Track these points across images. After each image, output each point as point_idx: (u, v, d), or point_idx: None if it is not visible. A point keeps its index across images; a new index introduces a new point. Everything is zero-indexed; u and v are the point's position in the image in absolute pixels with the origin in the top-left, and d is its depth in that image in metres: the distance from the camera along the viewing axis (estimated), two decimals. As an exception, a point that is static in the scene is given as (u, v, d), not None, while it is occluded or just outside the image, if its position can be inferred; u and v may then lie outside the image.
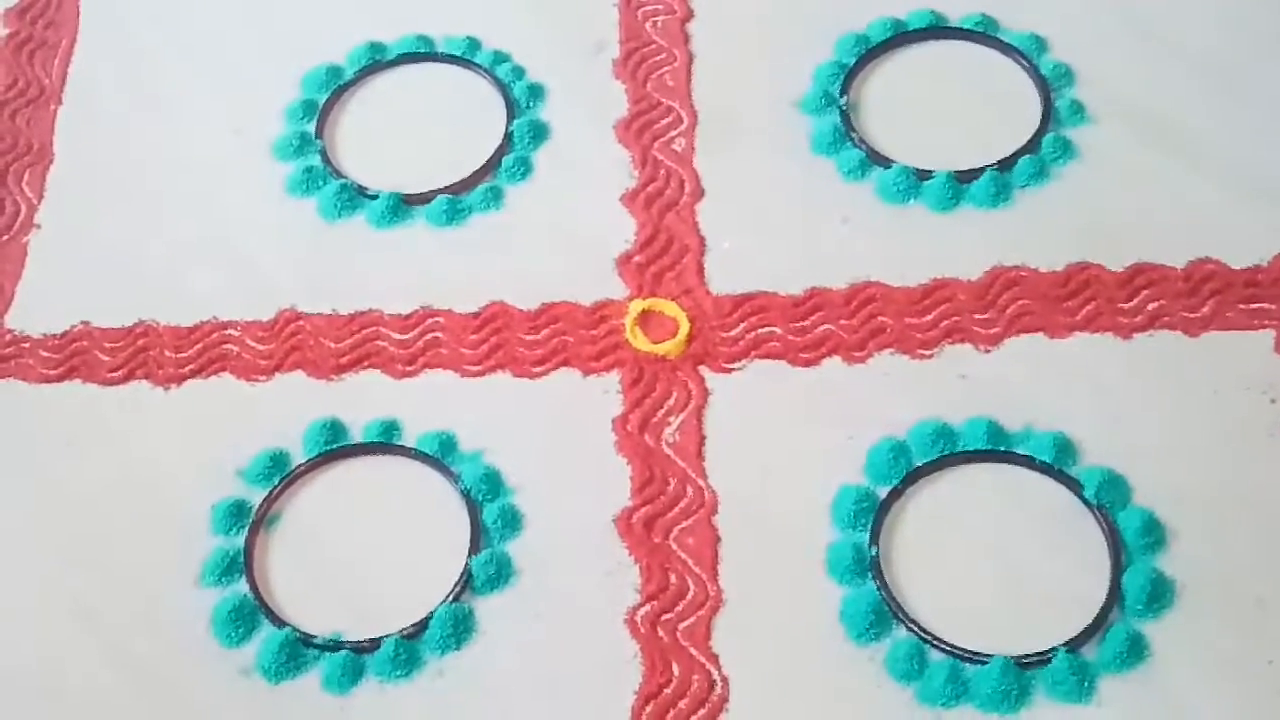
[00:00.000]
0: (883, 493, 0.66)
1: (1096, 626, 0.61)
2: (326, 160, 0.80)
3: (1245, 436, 0.66)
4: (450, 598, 0.64)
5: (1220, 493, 0.65)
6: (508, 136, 0.80)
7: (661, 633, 0.63)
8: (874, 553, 0.64)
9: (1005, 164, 0.75)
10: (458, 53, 0.84)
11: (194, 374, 0.73)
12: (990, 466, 0.66)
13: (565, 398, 0.70)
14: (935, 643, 0.61)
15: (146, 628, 0.65)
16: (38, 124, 0.83)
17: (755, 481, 0.67)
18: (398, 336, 0.73)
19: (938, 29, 0.81)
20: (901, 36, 0.81)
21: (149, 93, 0.84)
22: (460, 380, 0.71)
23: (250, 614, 0.65)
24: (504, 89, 0.81)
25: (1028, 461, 0.66)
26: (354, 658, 0.63)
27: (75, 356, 0.73)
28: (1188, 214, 0.73)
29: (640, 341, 0.71)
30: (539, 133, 0.80)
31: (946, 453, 0.66)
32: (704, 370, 0.71)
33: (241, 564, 0.66)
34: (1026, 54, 0.79)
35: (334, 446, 0.69)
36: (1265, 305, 0.70)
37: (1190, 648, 0.61)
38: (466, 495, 0.67)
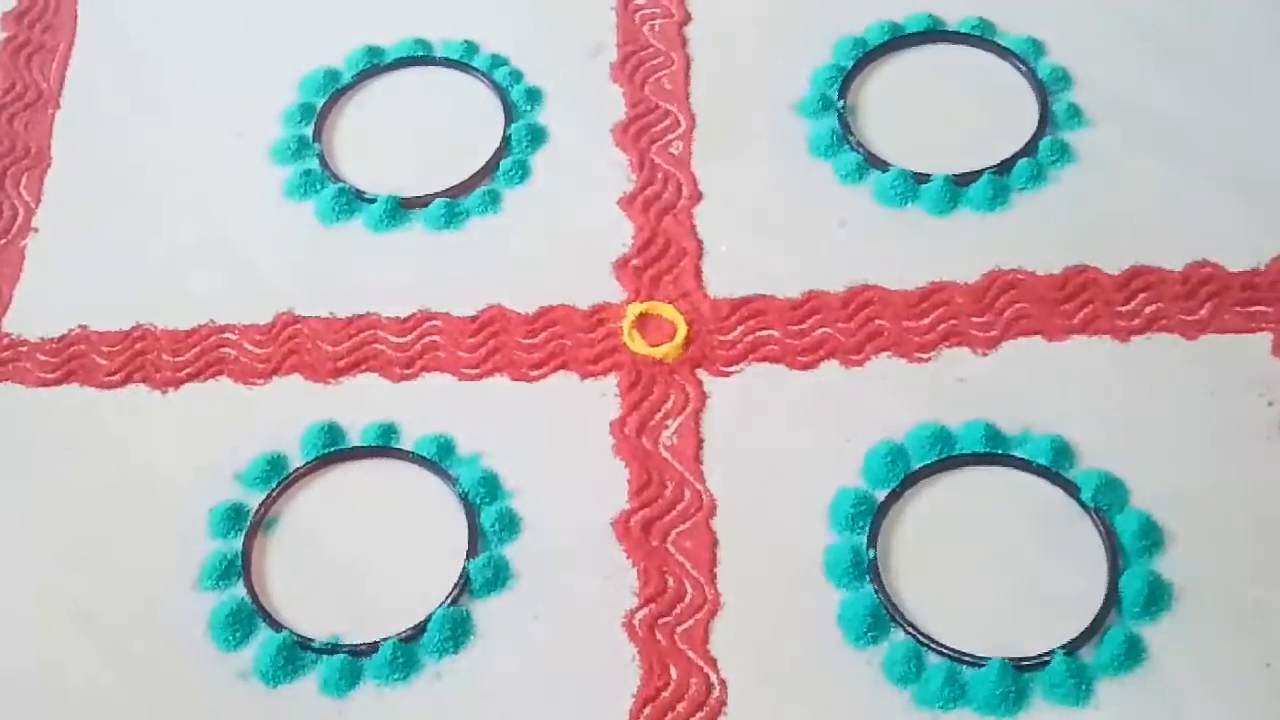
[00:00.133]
0: (880, 496, 0.66)
1: (1094, 629, 0.61)
2: (324, 164, 0.80)
3: (1243, 439, 0.66)
4: (448, 601, 0.64)
5: (1218, 495, 0.65)
6: (505, 140, 0.80)
7: (659, 636, 0.63)
8: (872, 556, 0.64)
9: (1003, 167, 0.75)
10: (455, 56, 0.84)
11: (192, 377, 0.73)
12: (988, 469, 0.66)
13: (563, 401, 0.70)
14: (933, 645, 0.61)
15: (144, 631, 0.65)
16: (35, 128, 0.83)
17: (753, 484, 0.67)
18: (395, 340, 0.73)
19: (935, 32, 0.82)
20: (899, 40, 0.81)
21: (147, 96, 0.84)
22: (458, 383, 0.71)
23: (248, 617, 0.65)
24: (502, 92, 0.81)
25: (1025, 464, 0.66)
26: (352, 661, 0.63)
27: (73, 360, 0.73)
28: (1185, 217, 0.73)
29: (638, 345, 0.71)
30: (537, 136, 0.80)
31: (944, 456, 0.66)
32: (702, 373, 0.71)
33: (239, 567, 0.66)
34: (1024, 57, 0.80)
35: (332, 450, 0.69)
36: (1262, 308, 0.70)
37: (1188, 650, 0.61)
38: (464, 498, 0.67)
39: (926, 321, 0.71)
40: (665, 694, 0.61)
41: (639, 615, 0.64)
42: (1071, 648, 0.61)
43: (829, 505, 0.66)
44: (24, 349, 0.74)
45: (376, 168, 0.80)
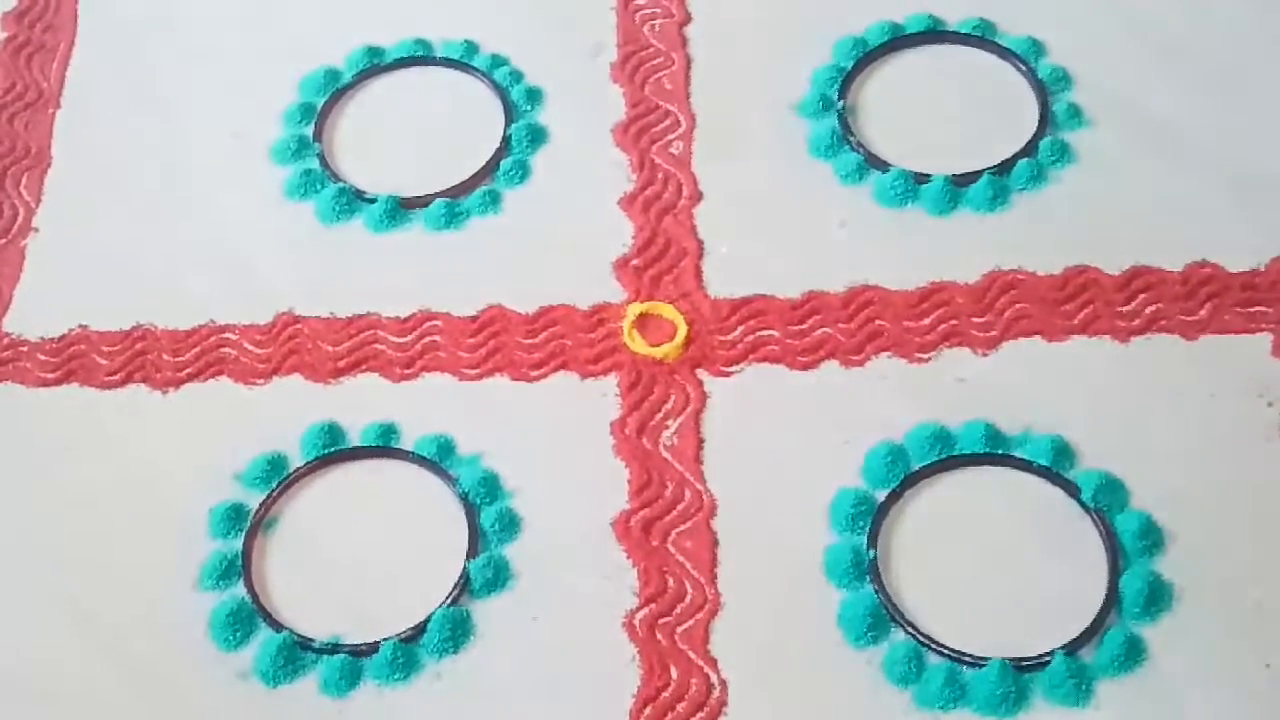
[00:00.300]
0: (881, 496, 0.66)
1: (1094, 629, 0.61)
2: (324, 164, 0.80)
3: (1243, 439, 0.66)
4: (448, 601, 0.64)
5: (1218, 496, 0.65)
6: (506, 140, 0.80)
7: (660, 636, 0.63)
8: (872, 556, 0.64)
9: (1003, 167, 0.75)
10: (455, 56, 0.84)
11: (192, 377, 0.73)
12: (988, 470, 0.66)
13: (563, 401, 0.70)
14: (933, 646, 0.61)
15: (145, 631, 0.65)
16: (36, 127, 0.83)
17: (753, 485, 0.67)
18: (396, 340, 0.73)
19: (935, 33, 0.82)
20: (899, 40, 0.81)
21: (147, 96, 0.84)
22: (458, 383, 0.71)
23: (248, 617, 0.65)
24: (502, 92, 0.81)
25: (1025, 465, 0.66)
26: (352, 661, 0.63)
27: (73, 360, 0.73)
28: (1185, 217, 0.73)
29: (638, 345, 0.71)
30: (537, 136, 0.80)
31: (944, 456, 0.66)
32: (702, 373, 0.71)
33: (239, 567, 0.66)
34: (1024, 58, 0.80)
35: (332, 450, 0.69)
36: (1262, 308, 0.70)
37: (1188, 651, 0.61)
38: (464, 498, 0.67)
39: (927, 322, 0.71)
40: (665, 694, 0.61)
41: (639, 615, 0.64)
42: (1072, 648, 0.61)
43: (829, 505, 0.66)
44: (24, 349, 0.74)
45: (377, 168, 0.80)
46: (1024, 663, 0.61)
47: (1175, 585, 0.62)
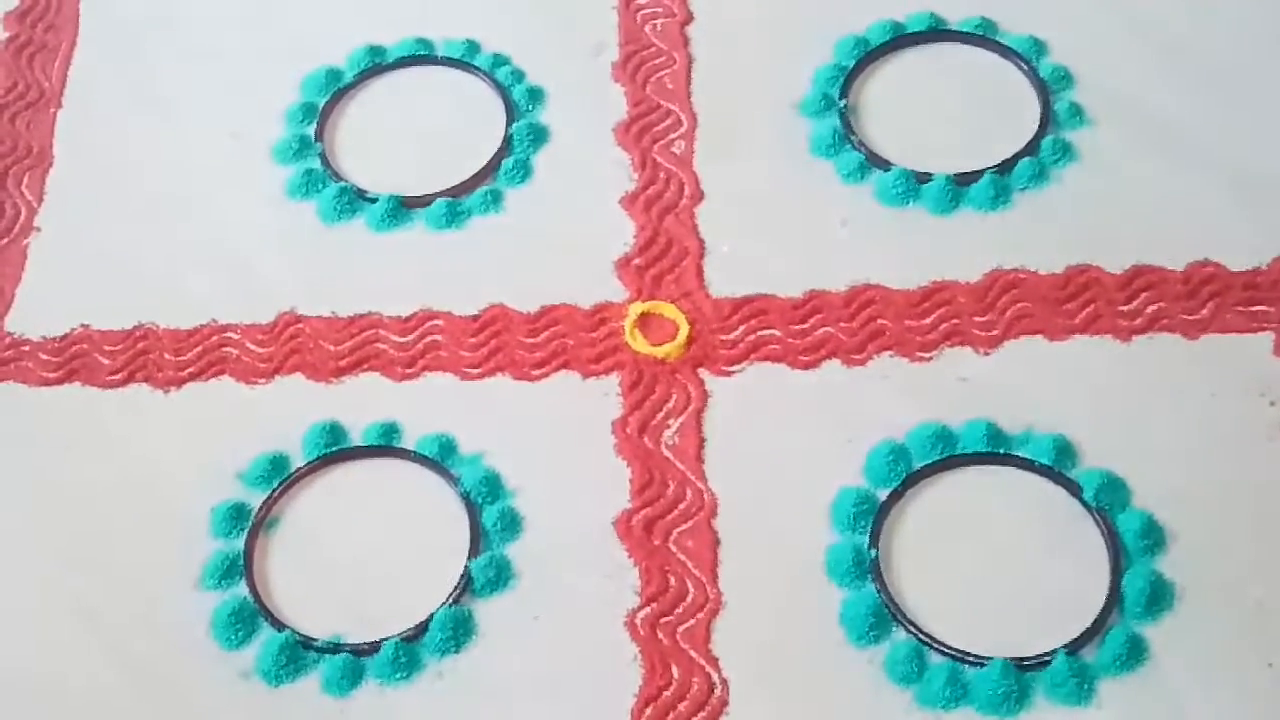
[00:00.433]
0: (882, 495, 0.66)
1: (1096, 629, 0.61)
2: (326, 163, 0.80)
3: (1244, 439, 0.66)
4: (450, 600, 0.64)
5: (1220, 495, 0.65)
6: (507, 139, 0.80)
7: (661, 635, 0.63)
8: (873, 555, 0.64)
9: (1004, 166, 0.75)
10: (457, 56, 0.84)
11: (194, 377, 0.73)
12: (990, 469, 0.66)
13: (565, 400, 0.70)
14: (935, 645, 0.61)
15: (146, 630, 0.65)
16: (37, 127, 0.83)
17: (755, 484, 0.67)
18: (397, 339, 0.73)
19: (937, 32, 0.82)
20: (901, 39, 0.81)
21: (149, 96, 0.84)
22: (460, 383, 0.71)
23: (250, 617, 0.65)
24: (503, 92, 0.81)
25: (1027, 464, 0.66)
26: (354, 660, 0.63)
27: (75, 359, 0.73)
28: (1187, 216, 0.73)
29: (640, 344, 0.71)
30: (538, 136, 0.80)
31: (946, 455, 0.66)
32: (703, 373, 0.71)
33: (241, 567, 0.66)
34: (1025, 57, 0.80)
35: (334, 449, 0.69)
36: (1264, 308, 0.70)
37: (1190, 650, 0.61)
38: (466, 498, 0.67)
39: (928, 321, 0.71)
40: (667, 693, 0.62)
41: (641, 615, 0.64)
42: (1073, 647, 0.61)
43: (831, 505, 0.66)
44: (26, 348, 0.74)
45: (378, 167, 0.80)
46: (1025, 662, 0.61)
47: (1177, 585, 0.62)
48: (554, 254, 0.75)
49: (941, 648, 0.61)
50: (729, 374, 0.71)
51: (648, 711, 0.61)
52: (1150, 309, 0.70)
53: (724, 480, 0.67)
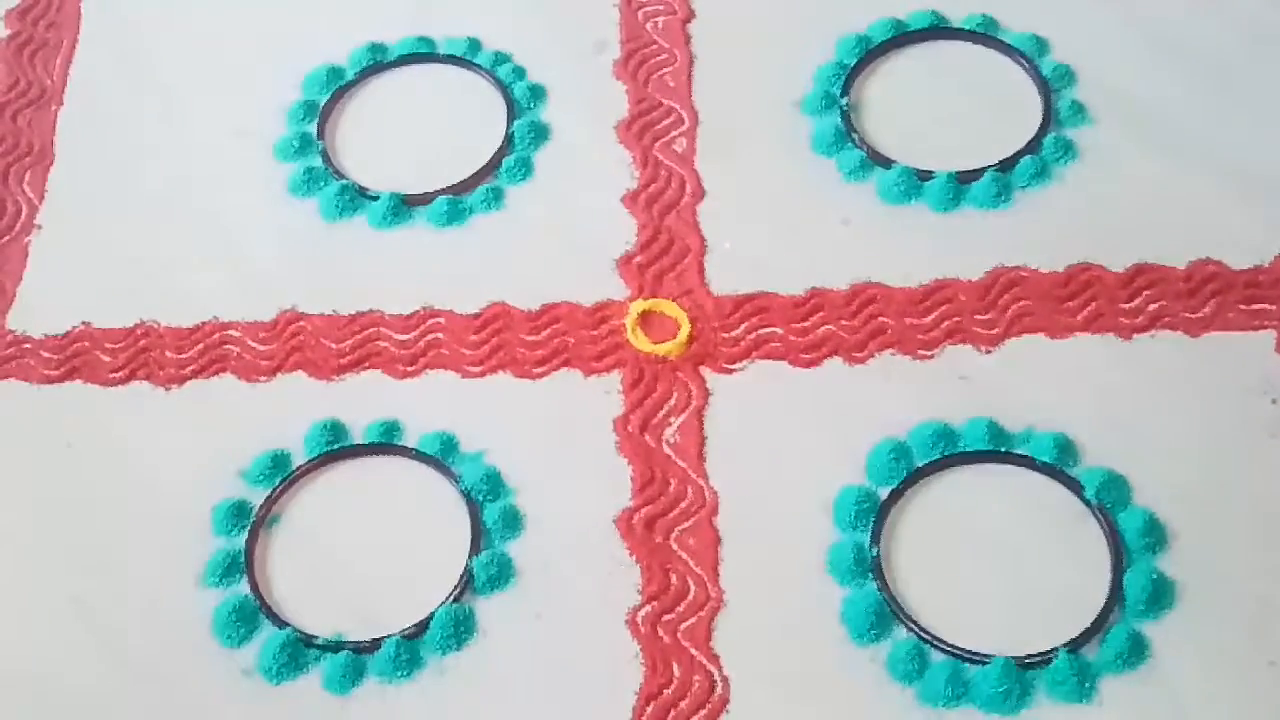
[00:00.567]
0: (884, 493, 0.66)
1: (1097, 627, 0.61)
2: (328, 161, 0.80)
3: (1246, 437, 0.66)
4: (451, 598, 0.64)
5: (1221, 493, 0.65)
6: (508, 137, 0.80)
7: (662, 633, 0.63)
8: (875, 553, 0.64)
9: (1006, 164, 0.75)
10: (458, 53, 0.84)
11: (195, 374, 0.73)
12: (991, 467, 0.66)
13: (566, 398, 0.70)
14: (936, 643, 0.61)
15: (147, 628, 0.65)
16: (39, 125, 0.83)
17: (756, 482, 0.67)
18: (399, 337, 0.73)
19: (938, 30, 0.81)
20: (902, 37, 0.81)
21: (150, 93, 0.84)
22: (461, 381, 0.71)
23: (251, 614, 0.65)
24: (505, 90, 0.81)
25: (1028, 462, 0.66)
26: (355, 658, 0.63)
27: (76, 357, 0.73)
28: (1188, 214, 0.73)
29: (641, 342, 0.71)
30: (540, 133, 0.80)
31: (947, 453, 0.66)
32: (705, 371, 0.71)
33: (242, 564, 0.66)
34: (1027, 55, 0.80)
35: (335, 447, 0.69)
36: (1266, 306, 0.70)
37: (1191, 648, 0.61)
38: (467, 496, 0.67)
39: (930, 319, 0.71)
40: (668, 692, 0.62)
41: (642, 613, 0.64)
42: (1075, 645, 0.61)
43: (832, 502, 0.66)
44: (27, 346, 0.74)
45: (380, 165, 0.80)
46: (1027, 660, 0.61)
47: (1178, 582, 0.62)
48: (555, 252, 0.75)
49: (943, 646, 0.61)
50: (730, 372, 0.71)
51: (649, 710, 0.61)
52: (1152, 307, 0.70)
53: (725, 478, 0.67)
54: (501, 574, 0.65)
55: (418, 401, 0.71)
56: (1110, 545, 0.63)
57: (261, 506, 0.68)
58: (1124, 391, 0.68)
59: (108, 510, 0.68)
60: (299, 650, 0.63)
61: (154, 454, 0.70)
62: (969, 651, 0.61)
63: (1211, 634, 0.61)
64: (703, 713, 0.61)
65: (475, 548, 0.66)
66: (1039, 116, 0.77)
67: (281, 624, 0.64)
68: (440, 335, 0.73)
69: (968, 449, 0.67)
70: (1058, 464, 0.66)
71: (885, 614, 0.62)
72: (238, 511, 0.67)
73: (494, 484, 0.67)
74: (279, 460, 0.69)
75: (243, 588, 0.65)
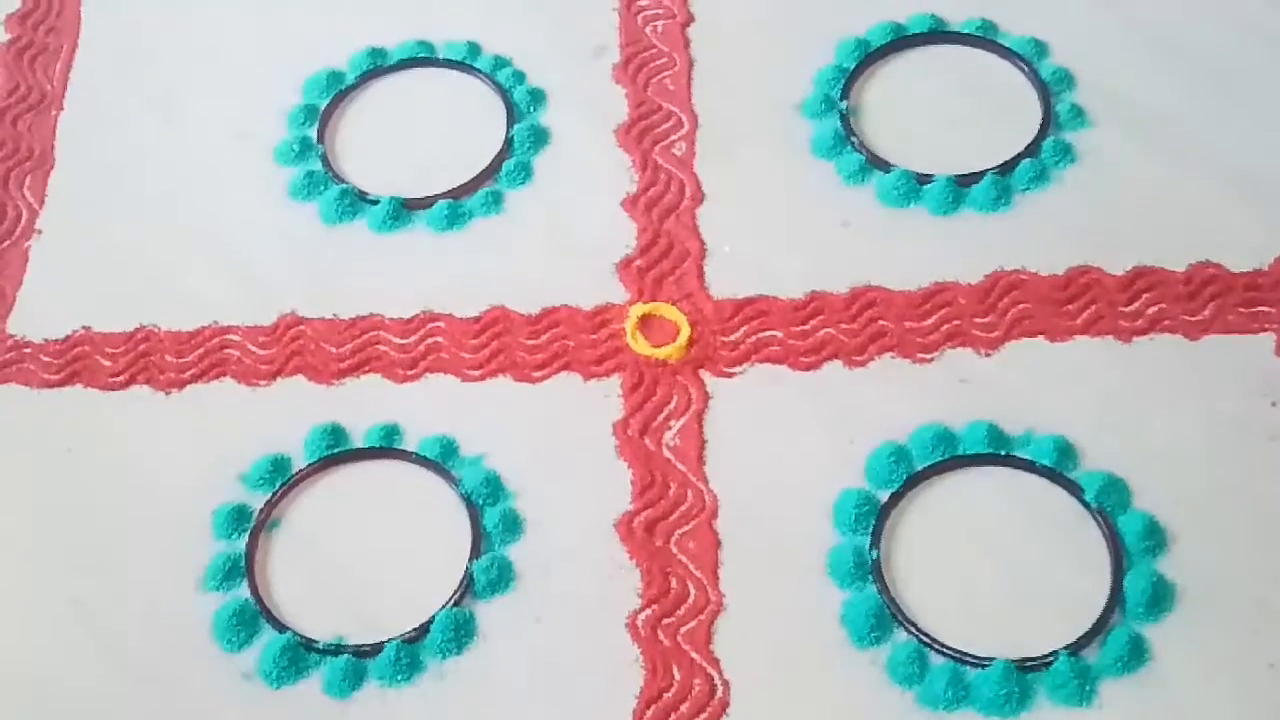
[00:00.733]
0: (884, 496, 0.66)
1: (1098, 630, 0.61)
2: (327, 165, 0.80)
3: (1246, 440, 0.66)
4: (451, 602, 0.64)
5: (1221, 496, 0.65)
6: (508, 141, 0.80)
7: (662, 637, 0.63)
8: (875, 556, 0.64)
9: (1005, 168, 0.75)
10: (458, 58, 0.84)
11: (195, 379, 0.73)
12: (991, 470, 0.66)
13: (566, 402, 0.70)
14: (936, 646, 0.61)
15: (148, 632, 0.65)
16: (39, 129, 0.83)
17: (756, 485, 0.67)
18: (398, 341, 0.73)
19: (938, 33, 0.82)
20: (902, 41, 0.81)
21: (150, 98, 0.84)
22: (461, 384, 0.71)
23: (251, 618, 0.65)
24: (504, 94, 0.82)
25: (1028, 465, 0.66)
26: (355, 662, 0.63)
27: (76, 361, 0.73)
28: (1188, 217, 0.73)
29: (641, 346, 0.71)
30: (539, 137, 0.80)
31: (947, 456, 0.66)
32: (705, 374, 0.71)
33: (243, 569, 0.66)
34: (1026, 58, 0.80)
35: (335, 451, 0.69)
36: (1266, 308, 0.70)
37: (1191, 651, 0.61)
38: (467, 499, 0.67)
39: (929, 322, 0.71)
40: (668, 695, 0.61)
41: (642, 616, 0.64)
42: (1075, 648, 0.61)
43: (832, 506, 0.66)
44: (28, 350, 0.74)
45: (380, 169, 0.80)
46: (1027, 663, 0.61)
47: (1178, 585, 0.62)
48: (555, 256, 0.75)
49: (943, 649, 0.61)
50: (730, 375, 0.71)
51: (649, 713, 0.61)
52: (1151, 310, 0.70)
53: (725, 482, 0.67)
54: (502, 578, 0.65)
55: (418, 405, 0.71)
56: (1110, 548, 0.63)
57: (262, 510, 0.68)
58: (1124, 394, 0.68)
59: (108, 514, 0.68)
60: (299, 654, 0.63)
61: (154, 458, 0.70)
62: (969, 654, 0.61)
63: (1212, 637, 0.61)
64: (703, 716, 0.61)
65: (475, 551, 0.66)
66: (1038, 120, 0.77)
67: (282, 628, 0.64)
68: (440, 339, 0.73)
69: (968, 452, 0.67)
70: (1058, 467, 0.66)
71: (885, 617, 0.62)
72: (238, 515, 0.67)
73: (494, 488, 0.67)
74: (279, 464, 0.69)
75: (243, 592, 0.65)
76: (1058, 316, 0.70)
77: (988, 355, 0.70)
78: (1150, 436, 0.67)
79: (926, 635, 0.62)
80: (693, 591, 0.64)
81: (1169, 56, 0.79)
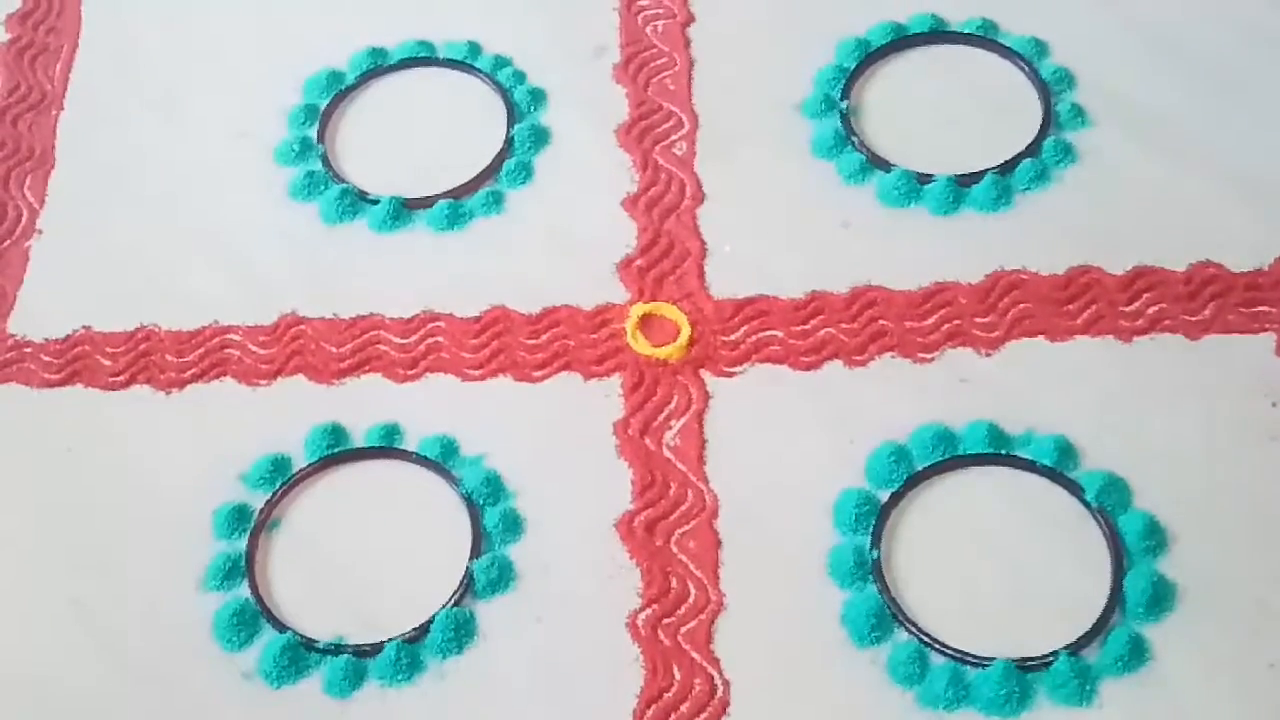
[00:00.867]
0: (884, 496, 0.66)
1: (1098, 629, 0.61)
2: (328, 165, 0.80)
3: (1246, 439, 0.66)
4: (451, 602, 0.64)
5: (1221, 496, 0.65)
6: (509, 141, 0.80)
7: (663, 636, 0.63)
8: (875, 556, 0.64)
9: (1006, 167, 0.75)
10: (459, 57, 0.84)
11: (195, 378, 0.73)
12: (991, 470, 0.66)
13: (566, 401, 0.70)
14: (937, 646, 0.61)
15: (148, 632, 0.65)
16: (39, 129, 0.83)
17: (756, 485, 0.67)
18: (399, 340, 0.73)
19: (938, 33, 0.82)
20: (902, 40, 0.81)
21: (150, 98, 0.84)
22: (461, 384, 0.71)
23: (252, 618, 0.65)
24: (505, 93, 0.82)
25: (1029, 465, 0.66)
26: (355, 662, 0.63)
27: (77, 361, 0.73)
28: (1188, 217, 0.73)
29: (641, 345, 0.71)
30: (540, 137, 0.80)
31: (947, 456, 0.66)
32: (705, 374, 0.71)
33: (243, 568, 0.66)
34: (1027, 58, 0.80)
35: (335, 451, 0.69)
36: (1266, 308, 0.70)
37: (1191, 651, 0.61)
38: (467, 499, 0.67)
39: (930, 322, 0.71)
40: (669, 695, 0.61)
41: (642, 616, 0.64)
42: (1075, 648, 0.61)
43: (832, 506, 0.66)
44: (28, 350, 0.74)
45: (380, 169, 0.80)
46: (1028, 663, 0.61)
47: (1179, 585, 0.62)
48: (555, 255, 0.75)
49: (943, 649, 0.61)
50: (730, 375, 0.71)
51: (649, 713, 0.61)
52: (1152, 310, 0.70)
53: (725, 481, 0.67)
54: (502, 577, 0.65)
55: (418, 405, 0.71)
56: (1110, 548, 0.63)
57: (262, 510, 0.68)
58: (1124, 394, 0.68)
59: (108, 514, 0.68)
60: (300, 654, 0.63)
61: (154, 458, 0.70)
62: (969, 654, 0.61)
63: (1212, 636, 0.61)
64: (703, 716, 0.61)
65: (475, 551, 0.66)
66: (1039, 119, 0.77)
67: (282, 628, 0.64)
68: (440, 339, 0.73)
69: (968, 452, 0.67)
70: (1058, 466, 0.66)
71: (886, 617, 0.62)
72: (238, 515, 0.67)
73: (494, 487, 0.67)
74: (279, 464, 0.69)
75: (243, 591, 0.65)
76: (1058, 316, 0.70)
77: (988, 355, 0.70)
78: (1150, 436, 0.67)
79: (927, 635, 0.62)
80: (693, 591, 0.64)
81: (1169, 56, 0.79)
